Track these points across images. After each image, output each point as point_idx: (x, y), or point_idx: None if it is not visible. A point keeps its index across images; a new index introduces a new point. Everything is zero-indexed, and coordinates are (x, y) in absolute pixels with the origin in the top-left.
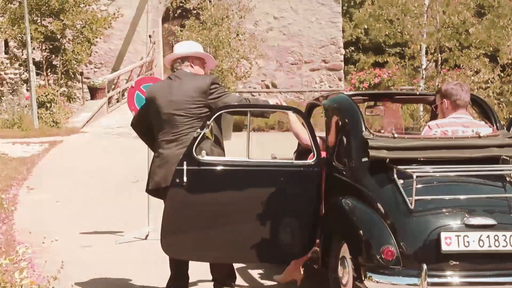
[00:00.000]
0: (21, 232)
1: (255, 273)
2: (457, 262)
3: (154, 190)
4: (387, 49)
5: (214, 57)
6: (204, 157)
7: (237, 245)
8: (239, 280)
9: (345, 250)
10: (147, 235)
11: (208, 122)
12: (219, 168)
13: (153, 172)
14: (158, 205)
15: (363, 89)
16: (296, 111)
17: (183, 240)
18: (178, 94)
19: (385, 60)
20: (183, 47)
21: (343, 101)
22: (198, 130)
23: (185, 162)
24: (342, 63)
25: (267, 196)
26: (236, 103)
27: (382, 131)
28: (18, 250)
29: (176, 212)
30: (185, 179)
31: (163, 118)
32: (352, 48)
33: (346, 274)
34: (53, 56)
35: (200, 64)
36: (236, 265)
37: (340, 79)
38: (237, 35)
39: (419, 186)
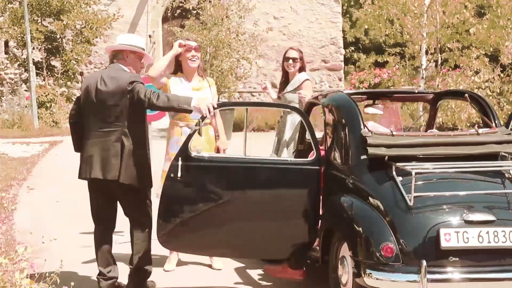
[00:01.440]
0: (21, 232)
1: (255, 273)
2: (457, 258)
3: (90, 179)
4: (387, 49)
5: (214, 57)
6: (199, 153)
7: (233, 241)
8: (239, 280)
9: (345, 250)
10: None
11: (201, 120)
12: (213, 164)
13: (88, 162)
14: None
15: (363, 89)
16: (295, 110)
17: (179, 233)
18: (108, 86)
19: (385, 60)
20: (123, 40)
21: (342, 99)
22: (194, 127)
23: (180, 158)
24: (342, 63)
25: (264, 194)
26: (155, 97)
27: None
28: (18, 250)
29: (171, 206)
30: (179, 174)
31: (95, 108)
32: (352, 48)
33: (345, 273)
34: (53, 56)
35: (136, 58)
36: (235, 265)
37: (340, 79)
38: (237, 35)
39: (418, 183)
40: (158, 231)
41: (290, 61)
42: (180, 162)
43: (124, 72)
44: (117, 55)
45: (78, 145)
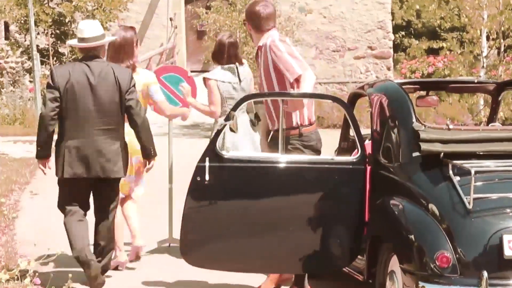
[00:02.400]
0: (23, 243)
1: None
2: None
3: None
4: (442, 34)
5: (244, 43)
6: (229, 152)
7: (268, 254)
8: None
9: (394, 263)
10: (167, 247)
11: (232, 113)
12: (247, 165)
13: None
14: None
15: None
16: (336, 100)
17: (206, 247)
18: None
19: (440, 46)
20: (90, 31)
21: (391, 89)
22: (222, 122)
23: (207, 158)
24: (391, 50)
25: (303, 197)
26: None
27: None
28: (20, 264)
29: (197, 215)
30: (207, 177)
31: (89, 106)
32: (403, 33)
33: None
34: (60, 42)
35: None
36: None
37: (388, 68)
38: None
39: (478, 183)
40: (182, 245)
41: None
42: (207, 163)
43: (119, 68)
44: (99, 50)
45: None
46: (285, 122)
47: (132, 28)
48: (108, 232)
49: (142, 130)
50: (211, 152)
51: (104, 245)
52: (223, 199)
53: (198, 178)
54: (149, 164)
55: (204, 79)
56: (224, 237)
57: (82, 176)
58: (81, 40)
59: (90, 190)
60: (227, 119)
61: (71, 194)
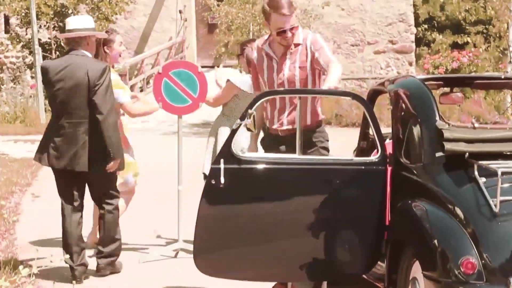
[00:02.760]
0: (25, 249)
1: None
2: None
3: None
4: (467, 27)
5: (258, 36)
6: (245, 153)
7: (287, 261)
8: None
9: (416, 269)
10: (177, 253)
11: (250, 111)
12: (263, 166)
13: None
14: (192, 215)
15: (438, 75)
16: (355, 97)
17: (221, 254)
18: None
19: (465, 41)
20: (77, 24)
21: (414, 85)
22: (238, 121)
23: (222, 160)
24: (413, 45)
25: (322, 200)
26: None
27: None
28: (21, 270)
29: (212, 221)
30: (222, 180)
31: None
32: (425, 26)
33: None
34: None
35: (95, 40)
36: None
37: (410, 64)
38: None
39: (505, 185)
40: (195, 253)
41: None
42: (222, 165)
43: (94, 63)
44: (80, 42)
45: None
46: (310, 118)
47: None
48: (105, 223)
49: (103, 127)
50: (226, 153)
51: (102, 235)
52: (239, 203)
53: (213, 181)
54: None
55: (228, 80)
56: (240, 244)
57: (55, 167)
58: (66, 31)
59: (76, 183)
60: (243, 117)
61: (59, 186)
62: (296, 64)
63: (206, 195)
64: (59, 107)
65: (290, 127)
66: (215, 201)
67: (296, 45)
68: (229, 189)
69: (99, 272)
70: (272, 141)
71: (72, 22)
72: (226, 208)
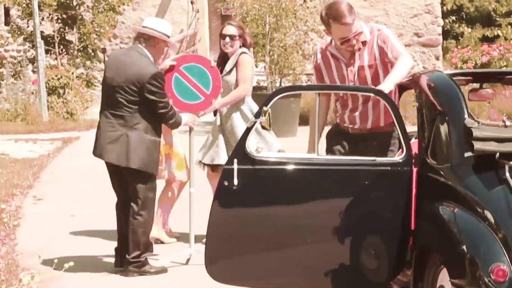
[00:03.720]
0: (26, 255)
1: None
2: None
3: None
4: (498, 19)
5: (274, 29)
6: (260, 153)
7: (304, 268)
8: None
9: (444, 277)
10: (188, 259)
11: (264, 108)
12: (280, 167)
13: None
14: (205, 219)
15: (467, 69)
16: (379, 94)
17: (235, 261)
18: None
19: (496, 33)
20: (153, 24)
21: (441, 81)
22: (252, 119)
23: (235, 160)
24: (440, 38)
25: (343, 204)
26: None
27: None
28: (22, 278)
29: (225, 225)
30: (235, 181)
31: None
32: (453, 18)
33: None
34: (68, 28)
35: (164, 46)
36: None
37: (437, 58)
38: (305, 1)
39: None
40: (207, 259)
41: (227, 39)
42: (236, 166)
43: (147, 60)
44: (148, 40)
45: None
46: (384, 118)
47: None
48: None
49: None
50: (240, 153)
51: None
52: (253, 206)
53: (226, 183)
54: None
55: (240, 54)
56: (256, 250)
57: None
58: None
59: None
60: (258, 115)
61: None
62: (365, 63)
63: (219, 197)
64: None
65: (362, 126)
66: (228, 203)
67: (364, 43)
68: (243, 190)
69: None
70: (339, 135)
71: (151, 22)
72: (240, 211)
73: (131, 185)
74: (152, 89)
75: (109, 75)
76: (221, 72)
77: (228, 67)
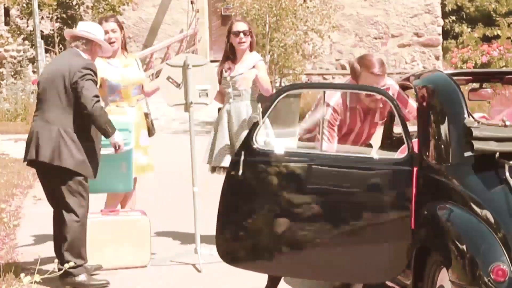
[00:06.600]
0: (26, 255)
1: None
2: None
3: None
4: (497, 19)
5: (274, 29)
6: (266, 146)
7: (306, 258)
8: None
9: (443, 276)
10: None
11: (272, 106)
12: (285, 160)
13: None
14: (209, 217)
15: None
16: (380, 93)
17: (240, 246)
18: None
19: (496, 33)
20: (88, 28)
21: (441, 80)
22: (255, 116)
23: (242, 153)
24: (440, 38)
25: (342, 200)
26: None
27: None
28: (23, 278)
29: (233, 214)
30: (241, 172)
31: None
32: (453, 17)
33: None
34: (67, 28)
35: (99, 49)
36: None
37: (437, 58)
38: (305, 1)
39: None
40: (218, 244)
41: (241, 34)
42: (242, 158)
43: (82, 58)
44: (86, 44)
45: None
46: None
47: None
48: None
49: None
50: (247, 145)
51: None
52: (259, 197)
53: (232, 173)
54: None
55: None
56: (261, 238)
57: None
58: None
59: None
60: (266, 109)
61: None
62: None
63: (227, 188)
64: None
65: None
66: (235, 194)
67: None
68: (250, 182)
69: None
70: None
71: (87, 26)
72: (247, 202)
73: (61, 188)
74: (83, 73)
75: (43, 76)
76: (231, 69)
77: (242, 69)
